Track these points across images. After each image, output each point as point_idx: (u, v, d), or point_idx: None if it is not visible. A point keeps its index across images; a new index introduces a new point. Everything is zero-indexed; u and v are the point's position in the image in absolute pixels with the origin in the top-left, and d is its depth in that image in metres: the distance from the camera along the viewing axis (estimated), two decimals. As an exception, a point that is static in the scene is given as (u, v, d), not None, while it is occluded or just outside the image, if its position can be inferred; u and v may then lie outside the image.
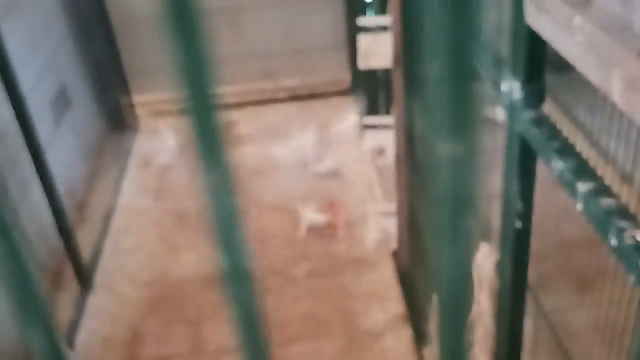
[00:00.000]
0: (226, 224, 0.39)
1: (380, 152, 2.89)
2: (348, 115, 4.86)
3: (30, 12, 3.63)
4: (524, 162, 1.46)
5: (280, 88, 5.23)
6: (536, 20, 1.13)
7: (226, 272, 0.40)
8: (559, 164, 1.27)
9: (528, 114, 1.40)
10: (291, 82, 5.22)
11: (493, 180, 1.81)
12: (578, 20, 0.99)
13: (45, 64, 3.70)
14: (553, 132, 1.35)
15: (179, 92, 0.37)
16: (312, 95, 5.18)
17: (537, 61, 1.37)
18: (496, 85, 1.58)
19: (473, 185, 0.37)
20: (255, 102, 5.25)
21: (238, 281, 0.40)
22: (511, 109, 1.47)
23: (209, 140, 0.36)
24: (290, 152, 4.58)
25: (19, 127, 3.09)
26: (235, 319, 0.41)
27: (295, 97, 5.20)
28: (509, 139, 1.50)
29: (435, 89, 0.35)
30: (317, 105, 5.00)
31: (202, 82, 0.36)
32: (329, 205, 3.87)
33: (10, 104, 3.01)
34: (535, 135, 1.37)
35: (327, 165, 4.45)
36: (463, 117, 0.35)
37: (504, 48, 1.51)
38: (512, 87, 1.45)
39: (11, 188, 3.08)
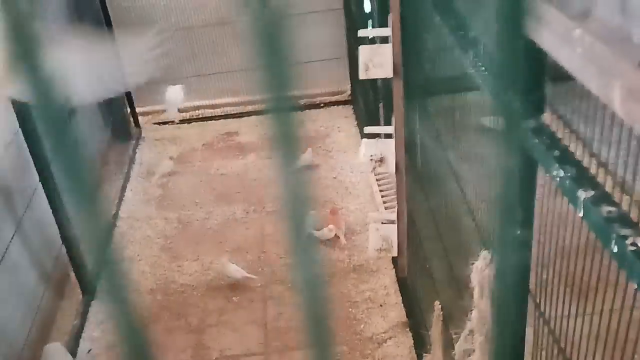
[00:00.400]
0: (298, 221, 0.41)
1: (380, 161, 2.91)
2: (349, 124, 4.90)
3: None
4: (525, 170, 1.48)
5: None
6: (536, 31, 1.16)
7: (297, 270, 0.42)
8: (559, 172, 1.29)
9: (528, 124, 1.43)
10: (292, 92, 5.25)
11: (493, 187, 1.83)
12: (578, 32, 1.01)
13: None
14: (553, 141, 1.38)
15: (263, 94, 0.40)
16: (313, 105, 5.22)
17: (537, 71, 1.39)
18: (495, 94, 1.61)
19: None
20: (257, 111, 5.29)
21: (309, 279, 0.42)
22: (510, 117, 1.49)
23: (287, 139, 0.39)
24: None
25: (24, 137, 3.12)
26: (305, 318, 0.43)
27: (297, 107, 5.24)
28: (509, 147, 1.51)
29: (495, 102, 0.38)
30: (318, 115, 5.03)
31: (283, 85, 0.39)
32: (330, 212, 3.89)
33: (16, 114, 3.04)
34: (535, 144, 1.39)
35: (328, 174, 4.48)
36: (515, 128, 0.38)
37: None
38: (511, 97, 1.47)
39: (16, 197, 3.10)
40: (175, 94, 5.00)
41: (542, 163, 1.40)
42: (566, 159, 1.31)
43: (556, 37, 1.08)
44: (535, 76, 1.40)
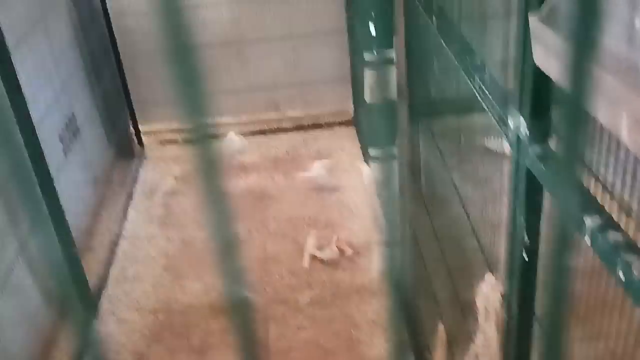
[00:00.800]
0: (227, 251, 0.42)
1: (385, 183, 2.92)
2: (352, 145, 4.92)
3: (42, 45, 3.70)
4: (531, 195, 1.49)
5: (285, 118, 5.29)
6: (543, 59, 1.17)
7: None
8: (565, 199, 1.29)
9: (535, 149, 1.44)
10: (296, 112, 5.29)
11: (498, 210, 1.84)
12: (585, 62, 1.03)
13: (55, 95, 3.76)
14: (559, 167, 1.38)
15: (183, 123, 0.41)
16: (316, 125, 5.25)
17: (544, 97, 1.41)
18: (502, 119, 1.62)
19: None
20: (260, 131, 5.32)
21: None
22: (518, 143, 1.51)
23: (210, 168, 0.40)
24: (294, 180, 4.62)
25: (29, 156, 3.13)
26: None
27: (300, 127, 5.27)
28: (516, 172, 1.53)
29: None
30: (321, 135, 5.05)
31: (201, 113, 0.40)
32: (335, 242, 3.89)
33: (21, 134, 3.05)
34: (541, 169, 1.40)
35: (331, 194, 4.49)
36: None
37: (510, 82, 1.55)
38: (518, 122, 1.49)
39: (20, 217, 3.11)
40: (235, 143, 5.09)
41: (548, 189, 1.41)
42: (573, 185, 1.32)
43: (562, 66, 1.09)
44: (541, 101, 1.42)
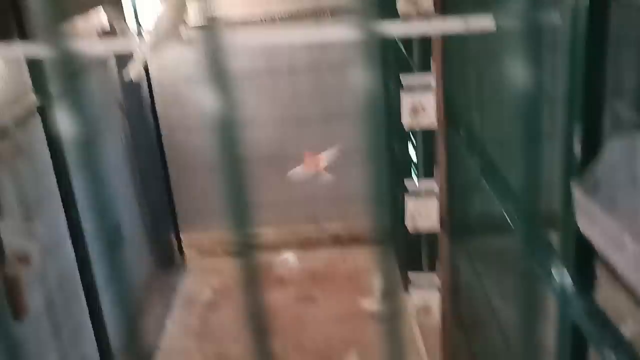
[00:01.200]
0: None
1: (425, 310, 2.92)
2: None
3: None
4: (576, 349, 1.50)
5: (324, 232, 5.38)
6: (587, 229, 1.22)
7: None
8: (611, 357, 1.31)
9: (579, 303, 1.46)
10: (334, 226, 5.37)
11: (540, 339, 1.82)
12: (627, 237, 1.07)
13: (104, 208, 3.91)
14: (605, 323, 1.40)
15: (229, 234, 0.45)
16: (354, 240, 5.31)
17: (587, 253, 1.44)
18: (546, 269, 1.65)
19: None
20: (299, 244, 5.39)
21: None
22: (562, 296, 1.53)
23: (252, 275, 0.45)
24: (332, 296, 4.62)
25: (78, 267, 3.23)
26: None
27: (338, 241, 5.33)
28: (561, 325, 1.54)
29: None
30: (359, 252, 5.09)
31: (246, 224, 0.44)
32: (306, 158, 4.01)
33: (73, 247, 3.17)
34: (587, 324, 1.41)
35: (370, 314, 4.46)
36: None
37: (554, 236, 1.59)
38: (563, 276, 1.51)
39: (64, 330, 3.17)
40: (290, 261, 5.24)
41: (593, 344, 1.42)
42: (618, 342, 1.33)
43: (606, 239, 1.14)
44: (585, 258, 1.45)
